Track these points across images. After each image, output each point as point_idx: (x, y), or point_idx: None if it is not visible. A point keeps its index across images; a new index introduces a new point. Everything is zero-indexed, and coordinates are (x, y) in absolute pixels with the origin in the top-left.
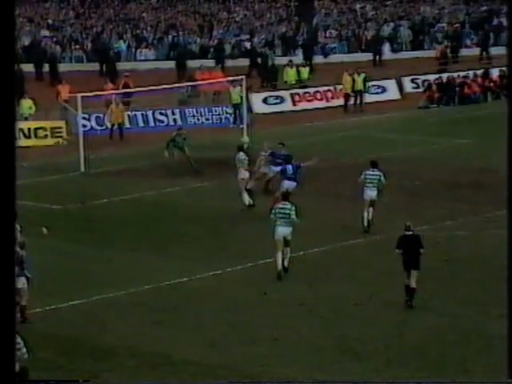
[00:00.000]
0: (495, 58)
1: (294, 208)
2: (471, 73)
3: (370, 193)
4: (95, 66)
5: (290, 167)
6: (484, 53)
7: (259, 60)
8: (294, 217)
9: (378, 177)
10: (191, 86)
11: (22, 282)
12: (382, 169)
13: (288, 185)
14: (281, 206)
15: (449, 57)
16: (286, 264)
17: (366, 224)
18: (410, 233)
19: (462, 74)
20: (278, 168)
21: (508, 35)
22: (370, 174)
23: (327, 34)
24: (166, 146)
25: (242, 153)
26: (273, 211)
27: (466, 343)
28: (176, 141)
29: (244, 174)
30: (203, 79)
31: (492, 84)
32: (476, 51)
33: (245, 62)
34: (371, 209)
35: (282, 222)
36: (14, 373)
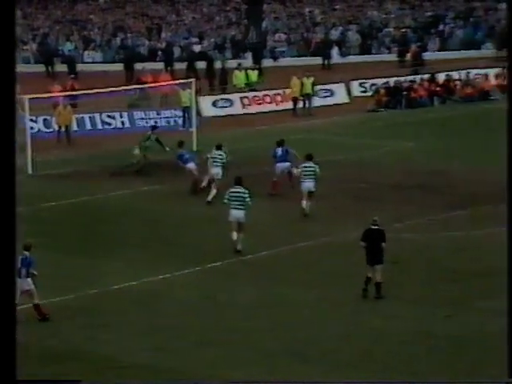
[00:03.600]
0: (443, 63)
1: (247, 191)
2: (418, 77)
3: (307, 184)
4: (42, 67)
5: (279, 150)
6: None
7: (204, 63)
8: (248, 200)
9: (313, 169)
10: (140, 88)
11: (28, 284)
12: (316, 161)
13: (281, 167)
14: (233, 190)
15: (419, 59)
16: (239, 248)
17: (304, 213)
18: (376, 227)
19: (408, 78)
20: (191, 164)
21: (508, 35)
22: (306, 167)
23: (276, 38)
24: (140, 148)
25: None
26: (226, 195)
27: (413, 344)
28: (150, 139)
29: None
30: (147, 82)
31: (438, 88)
32: (424, 56)
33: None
34: (309, 200)
35: (235, 205)
36: (15, 372)
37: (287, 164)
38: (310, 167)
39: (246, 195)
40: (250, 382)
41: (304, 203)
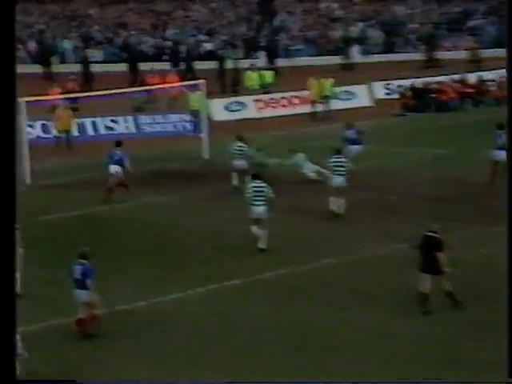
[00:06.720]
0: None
1: (267, 186)
2: (448, 78)
3: (337, 180)
4: (39, 68)
5: (350, 132)
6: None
7: (215, 63)
8: (270, 193)
9: (343, 163)
10: (146, 90)
11: (87, 295)
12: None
13: (354, 150)
14: (255, 184)
15: (480, 56)
16: (263, 246)
17: (333, 208)
18: (431, 234)
19: (438, 79)
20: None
21: (508, 35)
22: (335, 161)
23: (291, 35)
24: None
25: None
26: (248, 190)
27: (444, 369)
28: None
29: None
30: (153, 83)
31: (470, 90)
32: (453, 54)
33: (204, 64)
34: (341, 197)
35: (256, 201)
36: (14, 372)
37: (359, 147)
38: (339, 161)
39: (267, 189)
40: (250, 382)
41: (333, 201)
